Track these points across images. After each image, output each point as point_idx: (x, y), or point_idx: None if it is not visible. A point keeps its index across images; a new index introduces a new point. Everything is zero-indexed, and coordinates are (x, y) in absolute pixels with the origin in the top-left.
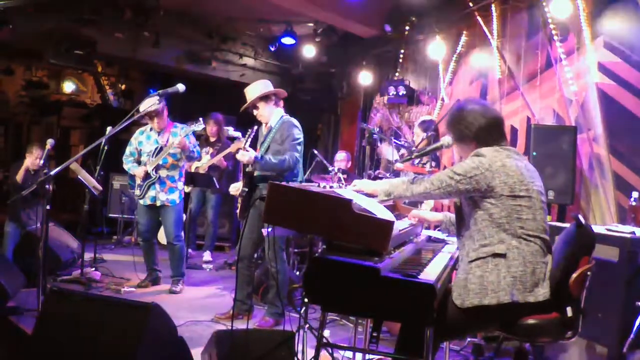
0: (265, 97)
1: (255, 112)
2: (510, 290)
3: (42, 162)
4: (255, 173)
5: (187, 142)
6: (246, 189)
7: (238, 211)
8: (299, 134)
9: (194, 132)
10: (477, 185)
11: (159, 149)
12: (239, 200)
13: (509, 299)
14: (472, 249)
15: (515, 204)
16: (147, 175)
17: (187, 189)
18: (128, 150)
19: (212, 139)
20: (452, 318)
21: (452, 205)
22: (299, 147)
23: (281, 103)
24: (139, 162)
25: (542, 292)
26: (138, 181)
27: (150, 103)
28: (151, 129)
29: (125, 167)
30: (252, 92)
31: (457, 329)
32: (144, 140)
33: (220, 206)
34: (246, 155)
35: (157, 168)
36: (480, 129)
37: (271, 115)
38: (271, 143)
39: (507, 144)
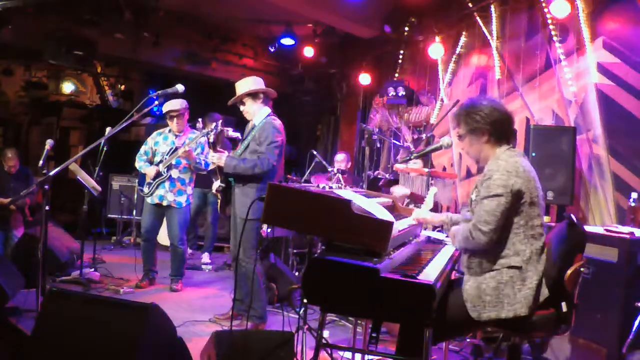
0: (253, 94)
1: (241, 107)
2: (528, 303)
3: (41, 162)
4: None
5: (193, 152)
6: (223, 185)
7: (218, 207)
8: (278, 136)
9: (208, 142)
10: (518, 194)
11: (174, 150)
12: (217, 195)
13: (525, 311)
14: (485, 259)
15: (531, 210)
16: (158, 174)
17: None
18: (142, 149)
19: (212, 140)
20: (459, 322)
21: (452, 205)
22: (276, 151)
23: (270, 103)
24: (151, 163)
25: (544, 292)
26: (148, 179)
27: (173, 104)
28: (169, 131)
29: (137, 164)
30: (241, 87)
31: (461, 331)
32: (160, 141)
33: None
34: (215, 157)
35: (169, 167)
36: (496, 122)
37: (256, 113)
38: (251, 142)
39: (515, 143)
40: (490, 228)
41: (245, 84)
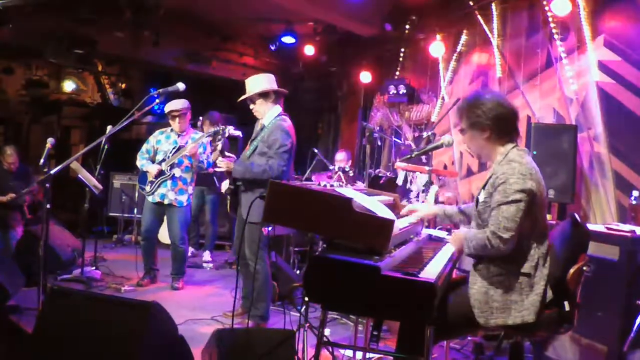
0: (264, 94)
1: (252, 106)
2: (535, 310)
3: (42, 161)
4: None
5: (198, 151)
6: (232, 187)
7: (228, 207)
8: (287, 140)
9: (211, 143)
10: (533, 197)
11: (177, 149)
12: (228, 198)
13: (533, 318)
14: (493, 264)
15: (538, 213)
16: (160, 172)
17: None
18: (144, 147)
19: (219, 148)
20: (462, 323)
21: (451, 202)
22: (285, 156)
23: (281, 100)
24: (152, 161)
25: (548, 295)
26: (150, 178)
27: (174, 104)
28: (172, 130)
29: (139, 163)
30: (253, 86)
31: (463, 331)
32: (162, 140)
33: (218, 206)
34: (224, 164)
35: (172, 166)
36: (498, 118)
37: (266, 113)
38: (260, 143)
39: (519, 139)
40: (511, 235)
41: (258, 83)
